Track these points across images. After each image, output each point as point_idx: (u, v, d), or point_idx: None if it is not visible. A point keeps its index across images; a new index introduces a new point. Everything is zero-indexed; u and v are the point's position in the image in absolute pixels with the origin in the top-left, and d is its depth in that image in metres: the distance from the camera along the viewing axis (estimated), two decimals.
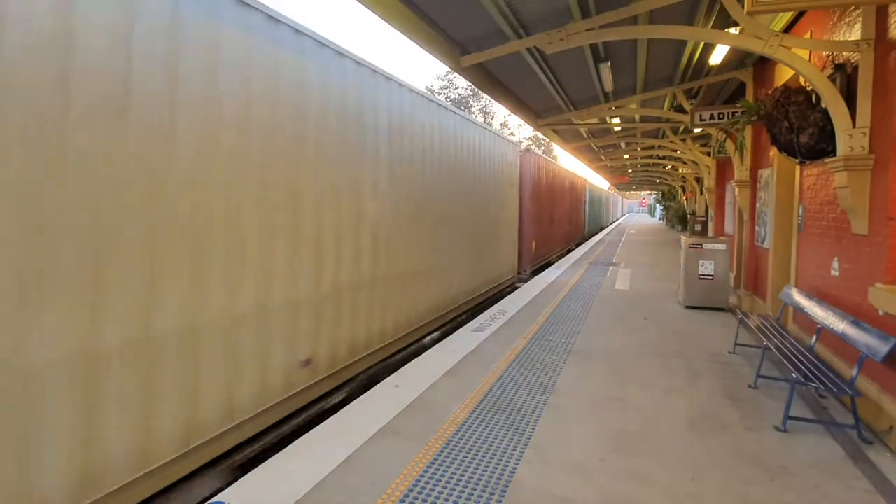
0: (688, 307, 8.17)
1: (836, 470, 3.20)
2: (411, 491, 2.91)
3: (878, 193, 3.88)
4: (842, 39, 4.52)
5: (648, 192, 57.88)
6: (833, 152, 4.30)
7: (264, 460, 3.34)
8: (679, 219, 27.15)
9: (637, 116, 12.23)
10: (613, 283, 10.90)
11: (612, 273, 12.41)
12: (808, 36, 5.43)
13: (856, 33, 4.19)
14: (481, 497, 2.86)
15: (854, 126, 4.06)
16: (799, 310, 5.04)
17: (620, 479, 3.08)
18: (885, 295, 3.58)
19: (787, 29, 5.96)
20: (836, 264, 4.67)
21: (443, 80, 43.96)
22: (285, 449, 3.41)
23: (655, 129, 13.94)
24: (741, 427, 3.80)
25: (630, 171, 28.19)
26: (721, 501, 2.85)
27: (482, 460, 3.27)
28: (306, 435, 3.62)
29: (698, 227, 10.36)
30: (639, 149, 17.89)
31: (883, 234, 3.76)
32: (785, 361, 4.09)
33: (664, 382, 4.75)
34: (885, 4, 3.76)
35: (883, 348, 3.38)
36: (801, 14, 5.68)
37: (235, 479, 3.32)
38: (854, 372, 3.65)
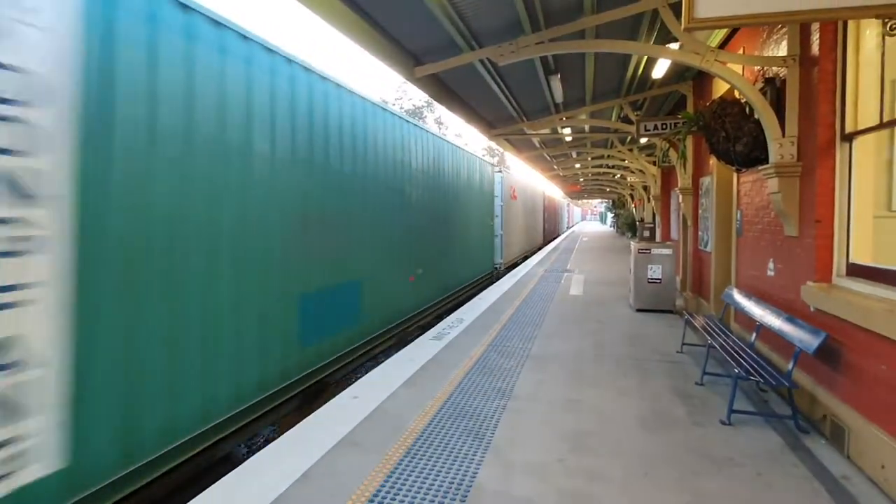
0: (638, 310, 8.46)
1: (776, 459, 3.39)
2: (371, 502, 2.87)
3: (806, 197, 4.16)
4: (771, 55, 4.84)
5: (599, 200, 59.81)
6: (766, 160, 4.58)
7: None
8: (629, 226, 28.11)
9: (587, 127, 12.65)
10: (568, 289, 11.16)
11: (567, 280, 12.70)
12: (741, 52, 5.79)
13: (783, 49, 4.50)
14: (443, 503, 2.85)
15: (783, 135, 4.35)
16: (740, 309, 5.32)
17: (578, 477, 3.14)
18: (815, 292, 3.83)
19: (723, 45, 6.33)
20: (771, 265, 4.97)
21: (397, 92, 44.12)
22: (241, 466, 3.29)
23: (604, 139, 14.45)
24: (690, 422, 3.97)
25: (582, 180, 29.07)
26: (673, 493, 2.96)
27: (443, 467, 3.27)
28: (262, 451, 3.51)
29: (647, 234, 10.78)
30: (589, 158, 18.46)
31: (811, 235, 4.04)
32: (728, 358, 4.30)
33: (617, 383, 4.90)
34: (808, 23, 4.07)
35: (814, 342, 3.62)
36: (734, 31, 6.06)
37: None
38: (790, 365, 3.89)
